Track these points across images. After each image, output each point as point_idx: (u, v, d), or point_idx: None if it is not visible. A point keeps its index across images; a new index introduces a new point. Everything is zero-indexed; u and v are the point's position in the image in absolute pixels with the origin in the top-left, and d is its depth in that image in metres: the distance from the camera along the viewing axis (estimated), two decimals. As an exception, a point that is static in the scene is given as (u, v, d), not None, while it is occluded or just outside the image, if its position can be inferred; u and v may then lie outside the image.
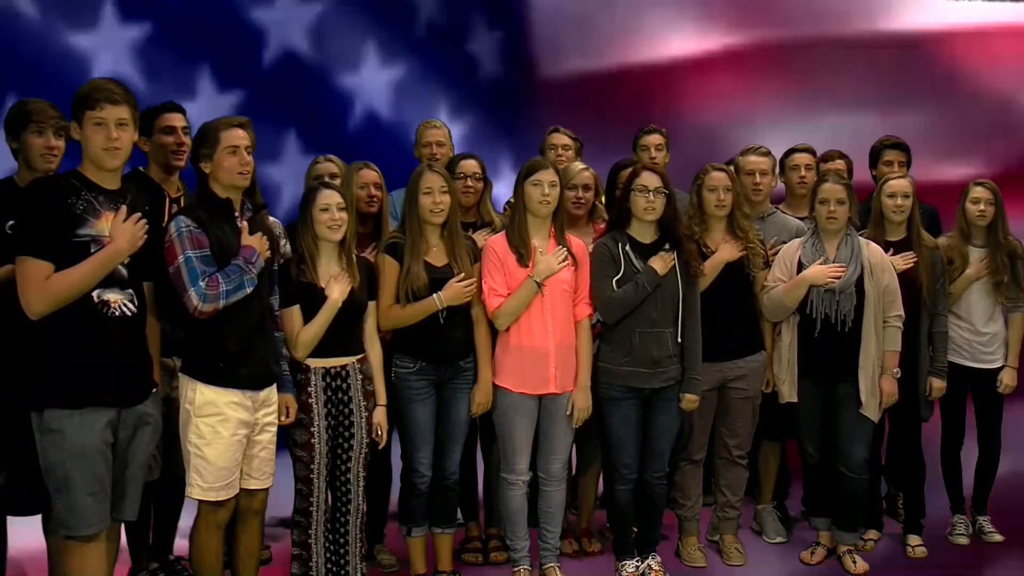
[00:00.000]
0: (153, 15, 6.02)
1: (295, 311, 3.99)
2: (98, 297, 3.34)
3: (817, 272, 4.46)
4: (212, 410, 3.62)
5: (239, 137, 3.66)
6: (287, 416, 3.93)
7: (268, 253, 3.75)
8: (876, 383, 4.51)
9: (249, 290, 3.62)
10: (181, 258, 3.53)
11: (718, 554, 4.83)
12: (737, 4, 7.39)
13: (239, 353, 3.65)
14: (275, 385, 3.85)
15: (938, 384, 4.81)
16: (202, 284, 3.52)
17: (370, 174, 4.51)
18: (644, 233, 4.36)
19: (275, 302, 3.92)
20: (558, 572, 4.46)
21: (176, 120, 4.24)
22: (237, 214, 3.72)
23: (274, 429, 3.86)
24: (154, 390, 3.58)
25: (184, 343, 3.73)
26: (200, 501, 3.69)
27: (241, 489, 3.76)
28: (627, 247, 4.32)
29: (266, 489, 3.88)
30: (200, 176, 3.72)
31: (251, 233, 3.70)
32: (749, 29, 7.33)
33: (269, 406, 3.81)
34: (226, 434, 3.63)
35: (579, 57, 7.25)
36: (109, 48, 5.88)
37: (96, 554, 3.43)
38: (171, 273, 3.55)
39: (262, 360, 3.75)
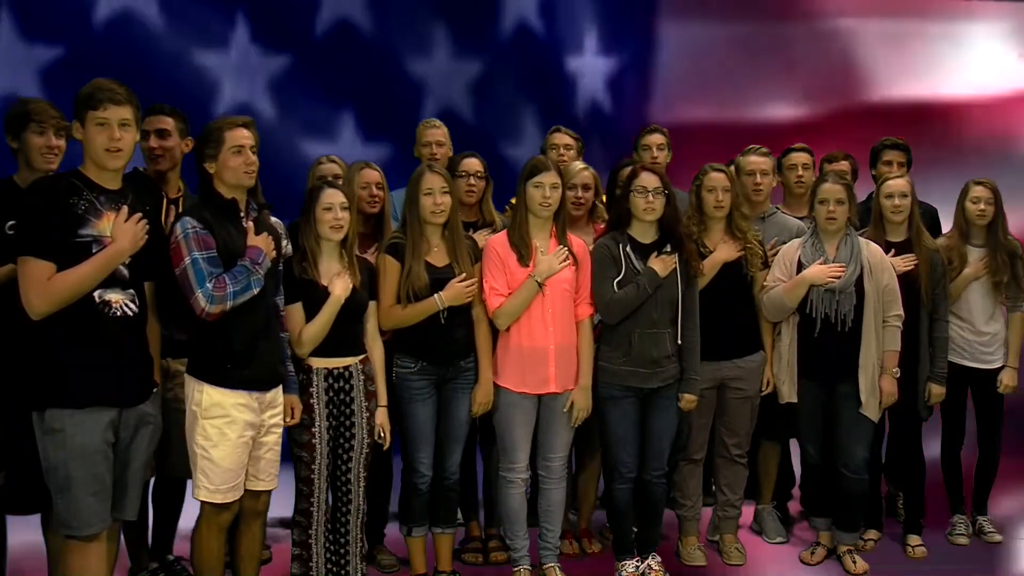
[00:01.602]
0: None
1: (298, 308, 3.99)
2: (99, 297, 3.34)
3: (817, 272, 4.46)
4: (219, 412, 3.61)
5: (244, 137, 3.65)
6: (292, 417, 3.93)
7: (274, 253, 3.75)
8: (876, 383, 4.52)
9: (256, 291, 3.62)
10: (188, 259, 3.52)
11: (718, 554, 4.83)
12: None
13: (245, 354, 3.64)
14: (281, 386, 3.84)
15: (937, 390, 4.80)
16: (209, 286, 3.51)
17: (371, 174, 4.51)
18: (644, 233, 4.36)
19: (280, 302, 3.92)
20: (558, 572, 4.45)
21: (151, 123, 4.12)
22: (243, 214, 3.72)
23: (280, 430, 3.85)
24: (155, 390, 3.57)
25: (190, 344, 3.72)
26: (204, 502, 3.68)
27: (246, 490, 3.75)
28: (627, 248, 4.32)
29: (270, 491, 3.88)
30: (204, 176, 3.71)
31: (256, 233, 3.70)
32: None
33: (275, 407, 3.80)
34: (233, 436, 3.62)
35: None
36: None
37: (96, 554, 3.43)
38: (177, 275, 3.54)
39: (268, 361, 3.74)
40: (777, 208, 4.98)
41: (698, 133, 6.71)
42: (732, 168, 4.77)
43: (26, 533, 4.01)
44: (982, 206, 4.85)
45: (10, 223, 3.56)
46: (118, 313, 3.37)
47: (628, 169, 4.61)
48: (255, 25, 5.96)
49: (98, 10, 5.61)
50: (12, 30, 5.49)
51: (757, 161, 4.86)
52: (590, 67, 6.94)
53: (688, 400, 4.41)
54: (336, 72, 6.19)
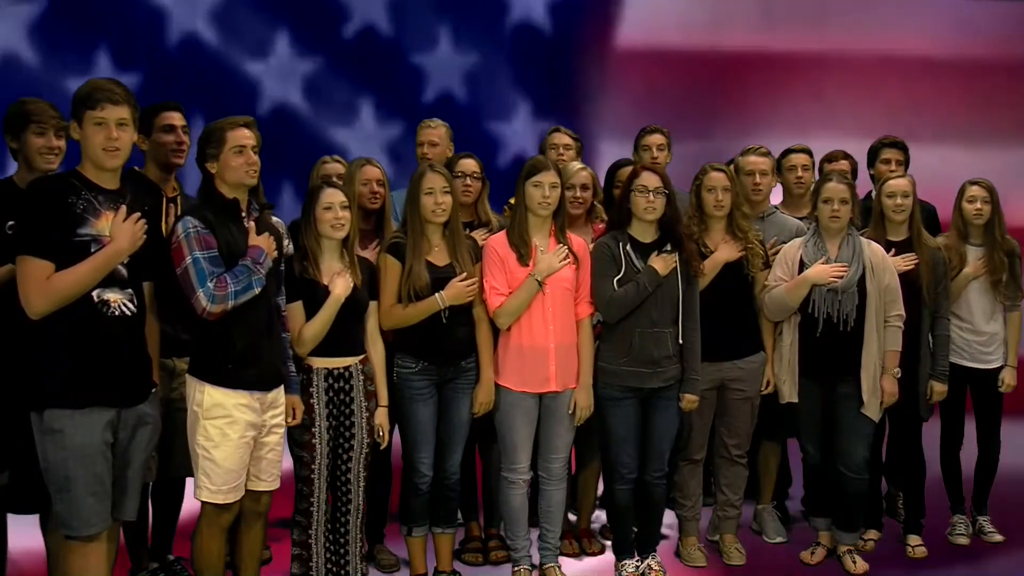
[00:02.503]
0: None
1: (299, 307, 3.99)
2: (98, 297, 3.33)
3: (819, 272, 4.46)
4: (220, 412, 3.60)
5: (245, 136, 3.66)
6: (293, 418, 3.93)
7: (275, 253, 3.75)
8: (877, 383, 4.51)
9: (257, 290, 3.61)
10: (189, 259, 3.52)
11: (718, 554, 4.83)
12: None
13: (247, 354, 3.64)
14: (282, 386, 3.84)
15: (939, 388, 4.80)
16: (210, 285, 3.51)
17: (373, 170, 4.51)
18: (645, 233, 4.36)
19: (282, 302, 3.92)
20: (558, 572, 4.46)
21: (175, 119, 4.22)
22: (244, 214, 3.72)
23: (282, 431, 3.85)
24: (153, 390, 3.57)
25: (192, 344, 3.72)
26: (205, 503, 3.68)
27: (247, 490, 3.75)
28: (628, 247, 4.32)
29: (272, 491, 3.87)
30: (205, 176, 3.71)
31: (258, 233, 3.70)
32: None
33: (276, 407, 3.79)
34: (234, 436, 3.62)
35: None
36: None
37: (96, 554, 3.42)
38: (179, 274, 3.54)
39: (270, 361, 3.74)
40: (776, 208, 4.98)
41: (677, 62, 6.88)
42: (732, 167, 4.77)
43: (26, 533, 4.01)
44: (978, 205, 4.85)
45: (9, 223, 3.55)
46: (116, 313, 3.37)
47: (628, 169, 4.62)
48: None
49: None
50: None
51: (756, 161, 4.86)
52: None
53: (689, 400, 4.41)
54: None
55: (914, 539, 4.92)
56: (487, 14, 6.93)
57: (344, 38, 6.66)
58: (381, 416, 4.17)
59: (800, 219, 4.91)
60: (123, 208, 3.38)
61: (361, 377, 4.11)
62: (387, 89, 6.66)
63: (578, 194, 4.61)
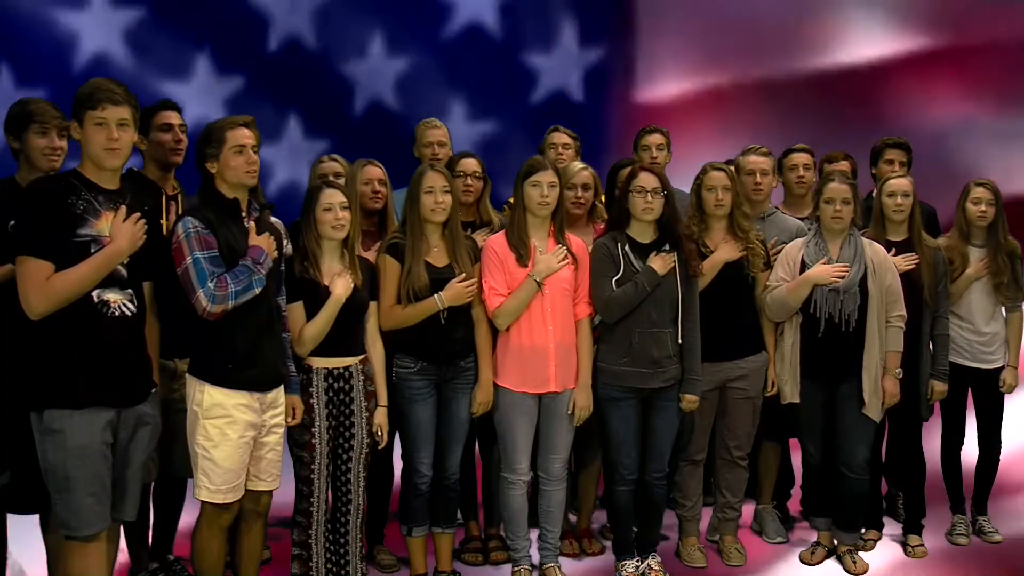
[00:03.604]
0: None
1: (299, 307, 3.99)
2: (98, 297, 3.34)
3: (821, 272, 4.46)
4: (220, 412, 3.61)
5: (245, 136, 3.65)
6: (293, 418, 3.93)
7: (276, 253, 3.75)
8: (879, 383, 4.51)
9: (258, 290, 3.61)
10: (189, 259, 3.52)
11: (718, 554, 4.83)
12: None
13: (247, 354, 3.64)
14: (282, 386, 3.84)
15: (939, 387, 4.81)
16: (211, 285, 3.51)
17: (374, 170, 4.52)
18: (643, 233, 4.36)
19: (282, 302, 3.92)
20: (558, 572, 4.46)
21: (173, 118, 4.23)
22: (244, 214, 3.72)
23: (281, 431, 3.86)
24: (153, 390, 3.57)
25: (192, 344, 3.71)
26: (205, 503, 3.68)
27: (247, 490, 3.75)
28: (626, 247, 4.32)
29: (271, 491, 3.88)
30: (205, 177, 3.71)
31: (258, 233, 3.70)
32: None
33: (276, 407, 3.80)
34: (234, 436, 3.62)
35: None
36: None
37: (96, 554, 3.42)
38: (179, 274, 3.54)
39: (270, 361, 3.75)
40: (776, 208, 4.97)
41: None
42: (732, 167, 4.76)
43: (26, 533, 4.01)
44: (983, 207, 4.84)
45: (11, 223, 3.55)
46: (116, 313, 3.37)
47: (627, 169, 4.61)
48: (215, 50, 6.42)
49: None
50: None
51: (757, 161, 4.85)
52: (560, 61, 7.16)
53: (689, 400, 4.41)
54: (284, 83, 6.63)
55: (914, 539, 4.92)
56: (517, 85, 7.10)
57: (353, 116, 6.78)
58: (381, 416, 4.18)
59: (801, 219, 4.90)
60: (123, 208, 3.38)
61: (361, 377, 4.11)
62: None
63: (579, 194, 4.60)
